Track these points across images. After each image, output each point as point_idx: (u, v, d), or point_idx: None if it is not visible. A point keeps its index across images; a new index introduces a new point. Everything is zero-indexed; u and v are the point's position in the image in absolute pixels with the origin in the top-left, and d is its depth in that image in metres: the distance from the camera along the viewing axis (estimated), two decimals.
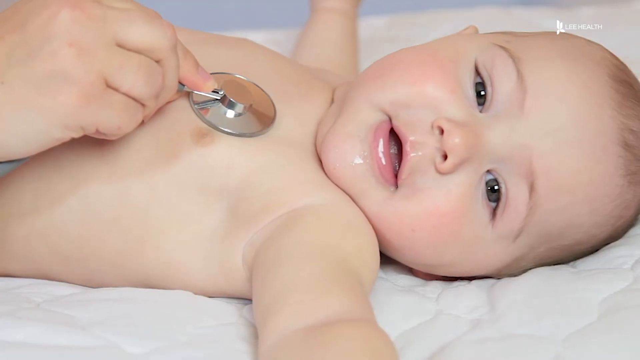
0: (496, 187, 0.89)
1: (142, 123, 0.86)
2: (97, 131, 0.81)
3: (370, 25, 1.58)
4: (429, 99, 0.88)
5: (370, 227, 0.90)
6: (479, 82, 0.90)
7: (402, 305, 0.90)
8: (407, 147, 0.88)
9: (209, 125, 0.90)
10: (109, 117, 0.80)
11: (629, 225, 0.97)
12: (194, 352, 0.81)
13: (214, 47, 0.98)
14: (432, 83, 0.89)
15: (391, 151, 0.90)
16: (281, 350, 0.77)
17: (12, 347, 0.78)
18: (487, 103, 0.89)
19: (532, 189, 0.88)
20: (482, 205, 0.89)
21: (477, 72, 0.90)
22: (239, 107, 0.91)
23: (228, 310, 0.88)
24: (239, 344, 0.83)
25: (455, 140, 0.86)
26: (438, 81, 0.89)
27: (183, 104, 0.91)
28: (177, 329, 0.84)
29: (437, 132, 0.87)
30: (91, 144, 0.88)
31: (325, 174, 0.91)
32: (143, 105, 0.83)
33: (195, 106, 0.90)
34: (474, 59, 0.90)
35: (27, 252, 0.91)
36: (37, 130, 0.79)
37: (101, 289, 0.90)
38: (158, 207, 0.89)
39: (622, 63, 0.95)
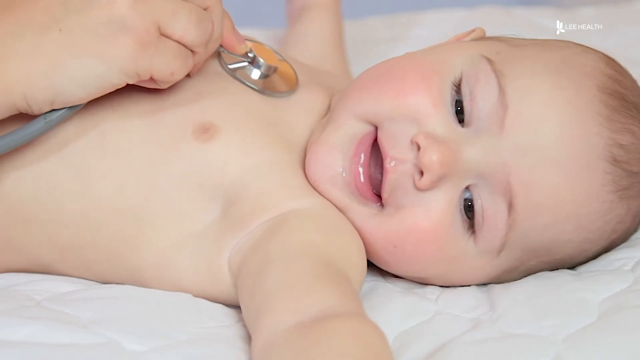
0: (470, 204, 0.88)
1: (189, 76, 0.90)
2: (151, 78, 0.85)
3: (370, 26, 1.57)
4: (411, 113, 0.88)
5: (356, 231, 0.90)
6: (458, 100, 0.89)
7: (401, 306, 0.90)
8: (386, 164, 0.88)
9: (238, 80, 0.93)
10: (163, 63, 0.84)
11: (629, 234, 0.96)
12: (194, 350, 0.81)
13: None
14: (414, 96, 0.89)
15: (373, 163, 0.91)
16: (274, 349, 0.77)
17: (12, 345, 0.78)
18: (467, 118, 0.89)
19: (511, 206, 0.87)
20: (461, 221, 0.88)
21: (460, 87, 0.89)
22: (266, 68, 0.95)
23: (228, 312, 0.88)
24: (239, 343, 0.83)
25: (432, 158, 0.86)
26: (420, 95, 0.89)
27: (185, 98, 0.91)
28: (178, 327, 0.84)
29: (415, 147, 0.87)
30: (94, 137, 0.89)
31: None
32: (193, 52, 0.85)
33: (227, 66, 0.94)
34: (460, 71, 0.90)
35: (25, 241, 0.91)
36: (95, 76, 0.83)
37: (102, 286, 0.90)
38: (155, 203, 0.89)
39: (617, 72, 0.93)
